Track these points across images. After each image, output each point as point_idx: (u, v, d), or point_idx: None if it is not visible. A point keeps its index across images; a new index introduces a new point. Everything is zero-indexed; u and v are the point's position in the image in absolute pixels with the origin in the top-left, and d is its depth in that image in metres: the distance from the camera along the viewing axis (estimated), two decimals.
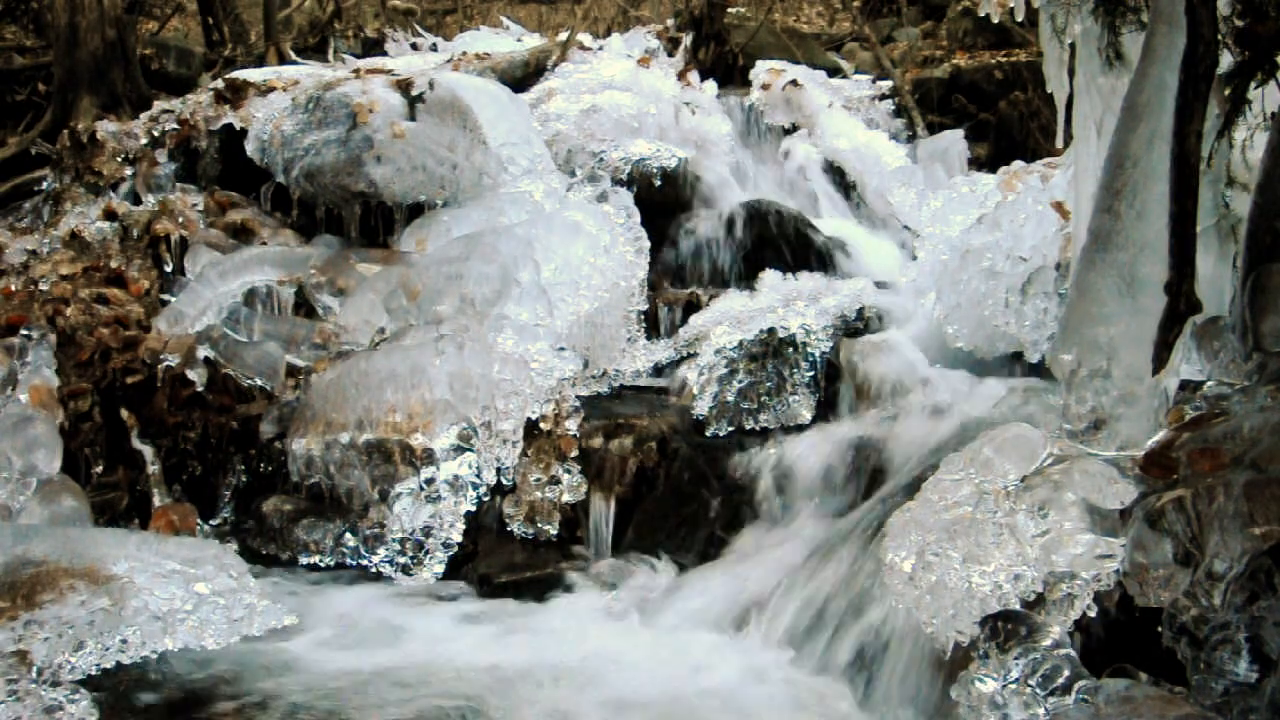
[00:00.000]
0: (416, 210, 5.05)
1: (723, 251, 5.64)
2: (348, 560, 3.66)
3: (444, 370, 3.76)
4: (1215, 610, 1.95)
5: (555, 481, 3.77)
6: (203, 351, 4.12)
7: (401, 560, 3.60)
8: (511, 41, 8.40)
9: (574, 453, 3.81)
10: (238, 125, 5.58)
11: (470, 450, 3.71)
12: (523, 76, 6.97)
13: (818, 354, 4.20)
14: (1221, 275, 2.94)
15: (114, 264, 4.78)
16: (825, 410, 4.16)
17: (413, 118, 5.04)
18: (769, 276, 4.76)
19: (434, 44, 9.07)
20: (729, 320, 4.39)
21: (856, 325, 4.50)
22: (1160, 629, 2.04)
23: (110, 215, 5.15)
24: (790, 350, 4.18)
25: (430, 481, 3.66)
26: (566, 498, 3.77)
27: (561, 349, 4.06)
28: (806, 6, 11.83)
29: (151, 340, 4.16)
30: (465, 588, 3.57)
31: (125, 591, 2.72)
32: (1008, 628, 2.17)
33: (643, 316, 4.79)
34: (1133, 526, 2.12)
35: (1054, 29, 3.20)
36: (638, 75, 6.72)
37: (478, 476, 3.71)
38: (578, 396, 3.99)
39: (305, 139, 5.05)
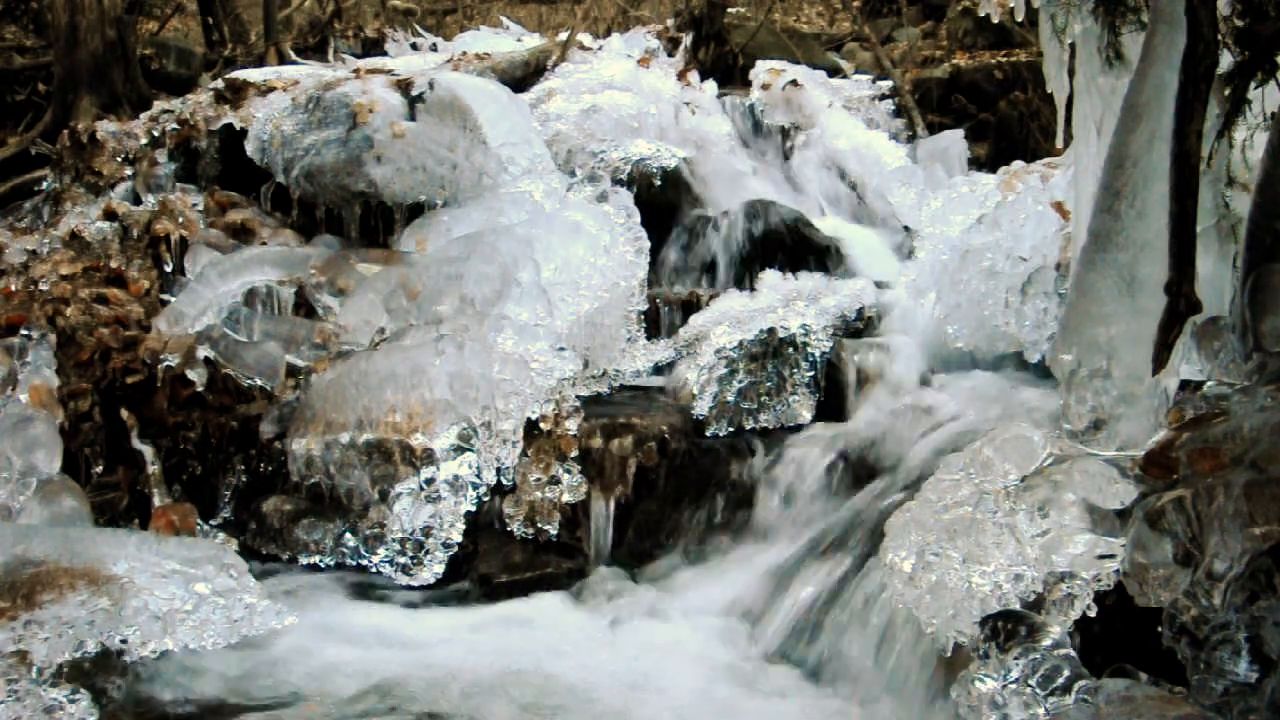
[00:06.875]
0: (416, 210, 5.05)
1: (723, 251, 5.63)
2: (348, 560, 3.66)
3: (444, 370, 3.76)
4: (1215, 610, 1.95)
5: (555, 481, 3.77)
6: (203, 351, 4.12)
7: (401, 560, 3.60)
8: (511, 41, 8.39)
9: (574, 453, 3.81)
10: (238, 125, 5.57)
11: (470, 450, 3.71)
12: (523, 76, 6.96)
13: (818, 354, 4.20)
14: (1221, 275, 2.94)
15: (114, 264, 4.78)
16: (825, 410, 4.16)
17: (413, 118, 5.04)
18: (769, 276, 4.75)
19: (434, 44, 9.06)
20: (729, 320, 4.38)
21: (856, 325, 4.50)
22: (1160, 629, 2.04)
23: (110, 215, 5.15)
24: (790, 350, 4.18)
25: (430, 481, 3.66)
26: (566, 498, 3.77)
27: (561, 349, 4.05)
28: (806, 6, 11.83)
29: (151, 340, 4.15)
30: (465, 588, 3.57)
31: (125, 591, 2.72)
32: (1008, 628, 2.17)
33: (643, 316, 4.78)
34: (1133, 526, 2.12)
35: (1054, 29, 3.19)
36: (638, 75, 6.72)
37: (478, 476, 3.71)
38: (578, 396, 3.99)
39: (305, 139, 5.06)
